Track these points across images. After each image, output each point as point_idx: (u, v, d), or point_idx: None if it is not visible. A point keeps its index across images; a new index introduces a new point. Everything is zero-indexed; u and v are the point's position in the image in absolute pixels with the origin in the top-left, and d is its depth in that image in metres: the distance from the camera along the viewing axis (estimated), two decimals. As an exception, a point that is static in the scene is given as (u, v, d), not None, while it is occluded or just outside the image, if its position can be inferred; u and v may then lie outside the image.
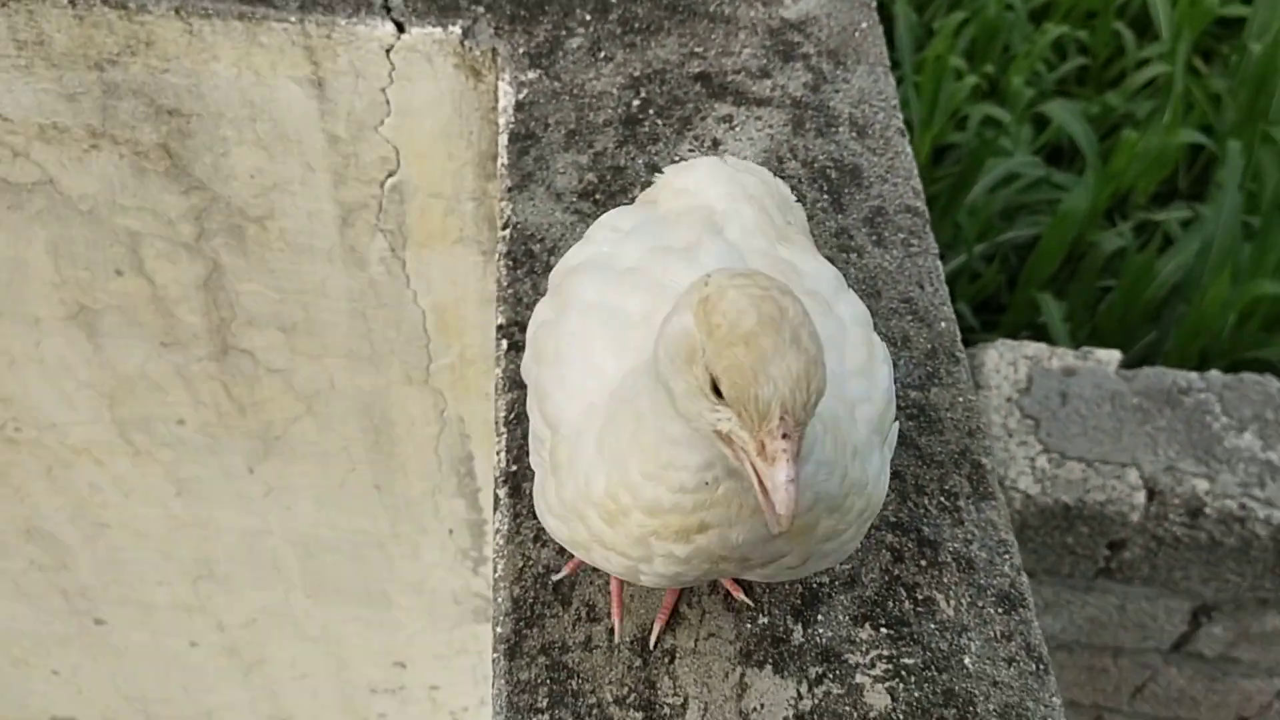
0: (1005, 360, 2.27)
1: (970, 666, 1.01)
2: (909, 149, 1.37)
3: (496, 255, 1.31)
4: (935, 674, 1.00)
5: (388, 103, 1.54)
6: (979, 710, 0.98)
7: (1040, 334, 3.41)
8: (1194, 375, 2.26)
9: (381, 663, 2.54)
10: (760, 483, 0.66)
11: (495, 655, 1.05)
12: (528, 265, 1.29)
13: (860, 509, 0.80)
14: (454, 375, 1.89)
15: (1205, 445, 2.14)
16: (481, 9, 1.49)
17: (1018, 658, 1.02)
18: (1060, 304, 3.39)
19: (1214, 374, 2.27)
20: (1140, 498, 2.11)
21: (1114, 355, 2.30)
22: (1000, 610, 1.05)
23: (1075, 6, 4.04)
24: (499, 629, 1.05)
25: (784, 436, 0.65)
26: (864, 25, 1.48)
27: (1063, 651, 2.47)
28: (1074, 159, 3.86)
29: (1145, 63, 3.95)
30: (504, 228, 1.32)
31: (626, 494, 0.76)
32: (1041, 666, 1.02)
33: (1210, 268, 3.32)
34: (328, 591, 2.37)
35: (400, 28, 1.47)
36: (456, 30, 1.47)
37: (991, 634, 1.03)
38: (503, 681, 1.02)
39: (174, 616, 2.51)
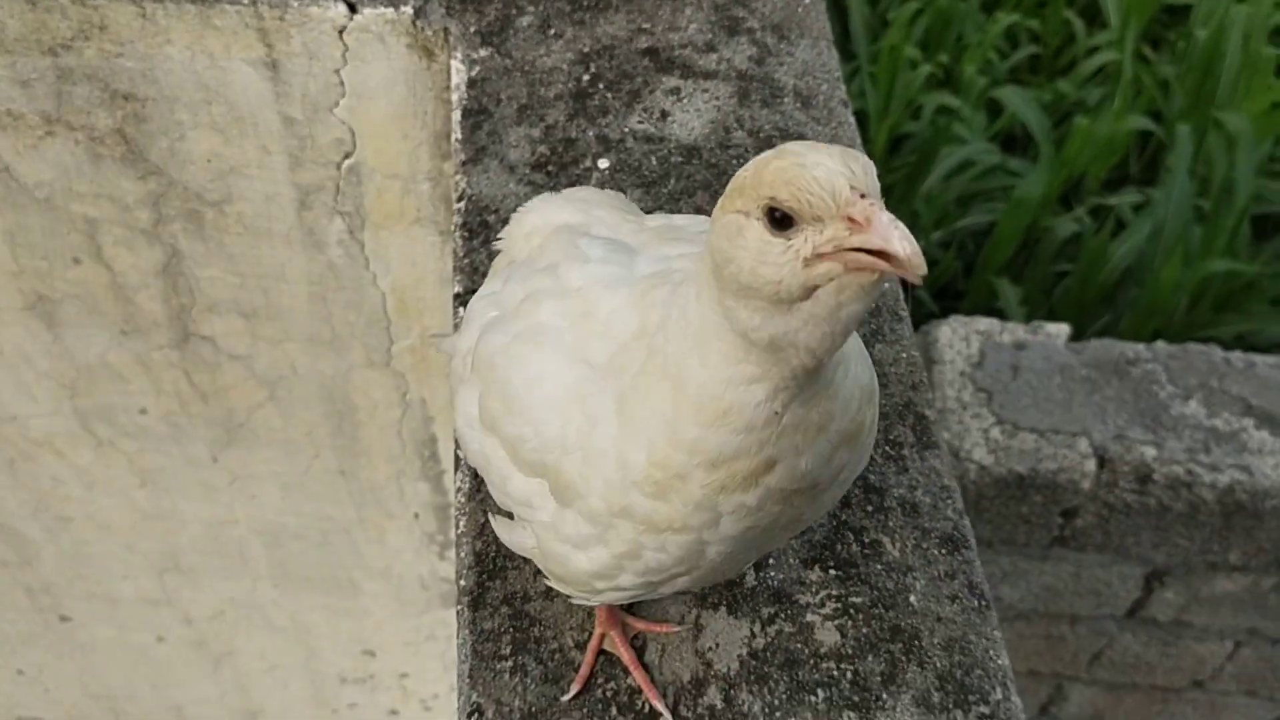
0: (958, 335, 2.32)
1: (915, 604, 1.05)
2: (852, 119, 1.41)
3: (453, 226, 1.34)
4: (882, 611, 1.04)
5: (342, 84, 1.56)
6: (924, 644, 1.02)
7: (998, 318, 3.47)
8: (1140, 346, 2.32)
9: (351, 651, 2.55)
10: (870, 253, 0.61)
11: (459, 607, 1.07)
12: (483, 235, 1.32)
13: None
14: (415, 357, 1.91)
15: (1152, 413, 2.20)
16: (433, -11, 1.52)
17: (960, 595, 1.06)
18: (1016, 288, 3.45)
19: (1160, 344, 2.34)
20: (1091, 466, 2.17)
21: (1063, 329, 2.36)
22: (944, 551, 1.09)
23: (1026, -3, 4.11)
24: (462, 582, 1.08)
25: (863, 198, 0.62)
26: (807, 1, 1.52)
27: (1021, 621, 2.52)
28: (1028, 146, 3.93)
29: (1095, 50, 4.03)
30: (459, 199, 1.35)
31: (681, 453, 0.73)
32: (983, 602, 1.06)
33: (1162, 250, 3.40)
34: (295, 580, 2.37)
35: (353, 8, 1.49)
36: (408, 10, 1.49)
37: (935, 573, 1.07)
38: (467, 631, 1.04)
39: (140, 611, 2.50)
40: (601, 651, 1.01)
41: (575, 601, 0.94)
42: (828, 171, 0.62)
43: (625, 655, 1.00)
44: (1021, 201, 3.44)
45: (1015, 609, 2.50)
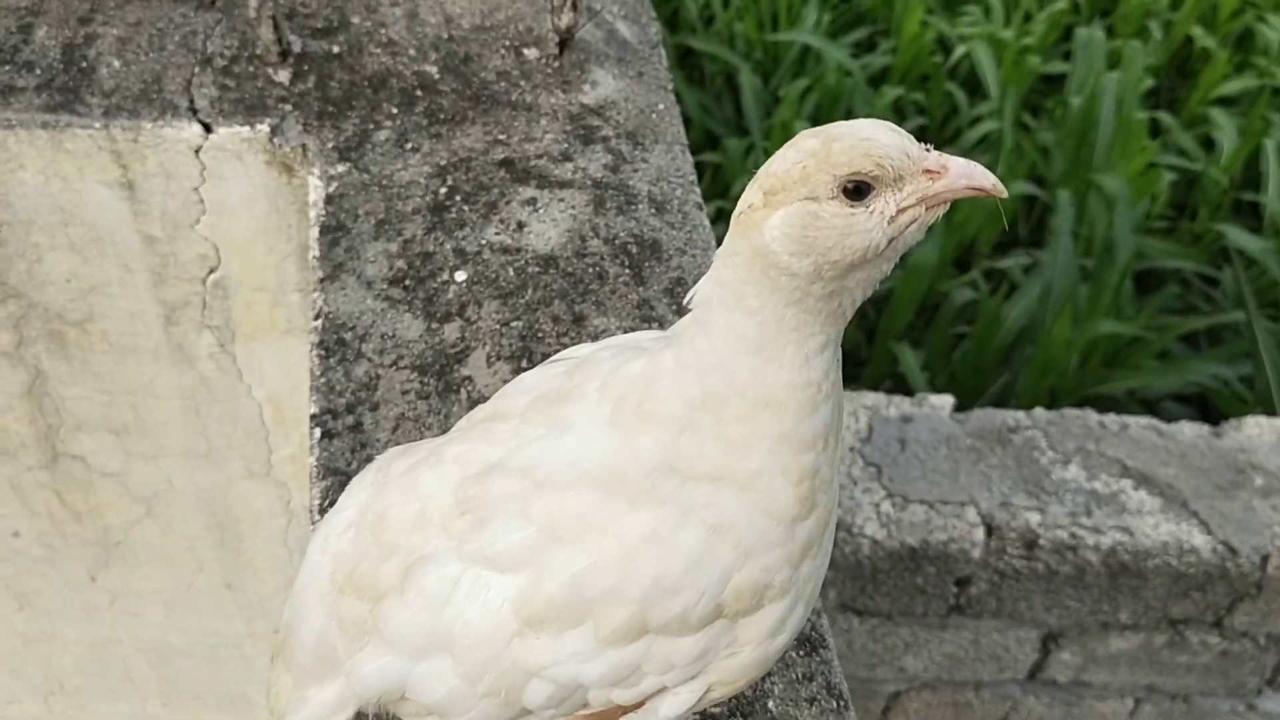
0: (846, 410, 2.35)
1: (774, 709, 1.05)
2: (706, 222, 1.44)
3: (309, 346, 1.33)
4: (740, 719, 1.04)
5: (202, 201, 1.55)
6: (781, 753, 1.02)
7: (900, 383, 3.54)
8: (1020, 414, 2.38)
9: (249, 767, 2.46)
10: (957, 188, 0.69)
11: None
12: (340, 353, 1.31)
13: None
14: (296, 465, 1.89)
15: (1035, 479, 2.25)
16: (289, 107, 1.52)
17: (819, 697, 1.07)
18: (917, 353, 3.53)
19: (1039, 411, 2.40)
20: (980, 534, 2.20)
21: (947, 400, 2.41)
22: (801, 653, 1.10)
23: (910, 70, 4.26)
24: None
25: (928, 150, 0.69)
26: (660, 107, 1.56)
27: (927, 690, 2.54)
28: (920, 214, 4.04)
29: (978, 120, 4.18)
30: (316, 318, 1.34)
31: (808, 454, 0.75)
32: (841, 703, 1.07)
33: (1051, 310, 3.51)
34: (186, 699, 2.30)
35: (208, 128, 1.49)
36: (264, 128, 1.49)
37: (794, 676, 1.08)
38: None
39: (25, 738, 2.40)
40: None
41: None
42: (892, 138, 0.68)
43: None
44: (917, 268, 3.54)
45: (920, 679, 2.52)
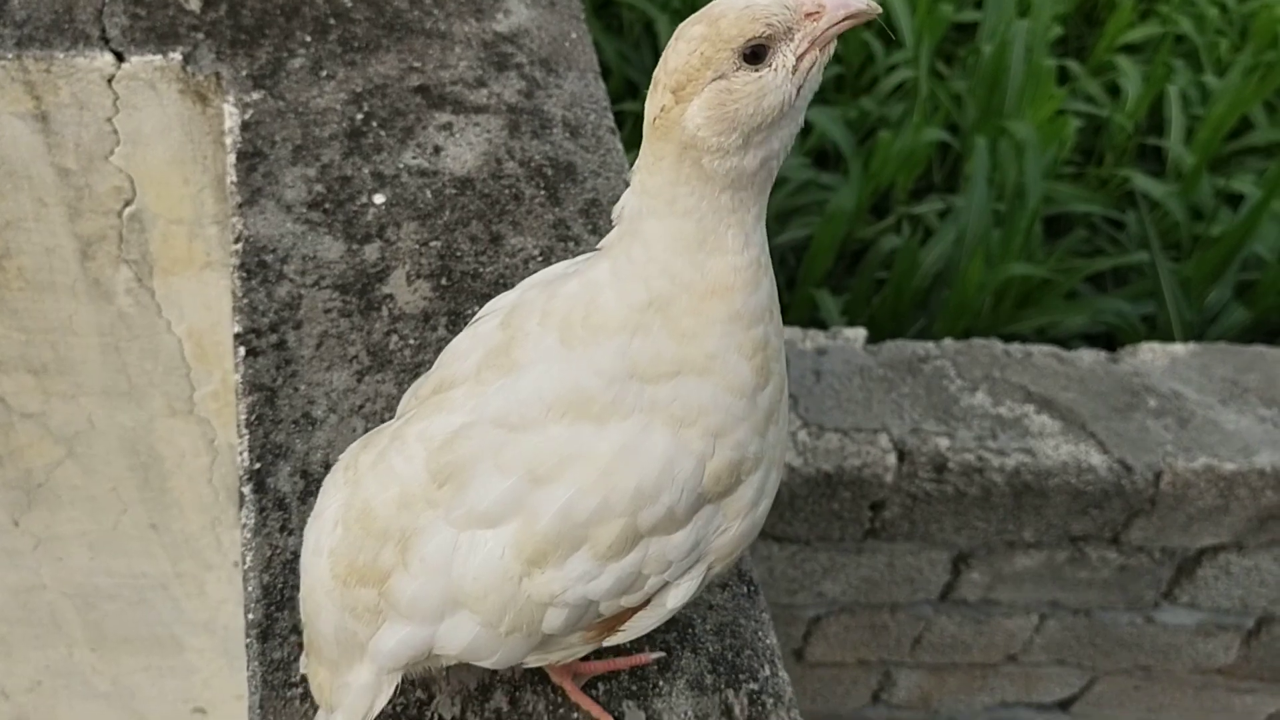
0: (763, 345, 2.42)
1: (687, 597, 1.11)
2: (619, 146, 1.48)
3: (230, 268, 1.35)
4: (655, 607, 1.10)
5: (115, 132, 1.55)
6: (696, 631, 1.08)
7: (822, 329, 3.63)
8: (930, 344, 2.47)
9: (180, 712, 2.48)
10: (838, 21, 0.73)
11: (248, 640, 1.09)
12: (261, 275, 1.33)
13: None
14: (219, 402, 1.90)
15: (944, 406, 2.34)
16: (201, 35, 1.53)
17: (730, 583, 1.13)
18: (837, 299, 3.62)
19: (947, 342, 2.49)
20: (892, 459, 2.29)
21: (860, 332, 2.49)
22: (713, 545, 1.15)
23: (824, 19, 4.30)
24: (250, 615, 1.09)
25: None
26: (573, 35, 1.59)
27: (846, 614, 2.64)
28: (838, 161, 4.12)
29: (894, 69, 4.25)
30: (236, 241, 1.36)
31: (760, 326, 0.79)
32: (752, 589, 1.13)
33: (966, 254, 3.61)
34: (113, 643, 2.30)
35: (120, 57, 1.49)
36: (177, 57, 1.50)
37: (705, 566, 1.14)
38: (256, 663, 1.06)
39: (-51, 690, 2.39)
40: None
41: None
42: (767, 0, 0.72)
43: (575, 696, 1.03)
44: (835, 214, 3.61)
45: (839, 603, 2.61)
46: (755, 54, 0.72)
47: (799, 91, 0.74)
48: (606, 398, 0.78)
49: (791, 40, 0.73)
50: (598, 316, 0.79)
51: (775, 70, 0.72)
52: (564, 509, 0.79)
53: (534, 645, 0.86)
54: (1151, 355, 2.50)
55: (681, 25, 0.74)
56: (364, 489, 0.86)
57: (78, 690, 2.40)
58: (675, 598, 0.86)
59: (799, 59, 0.73)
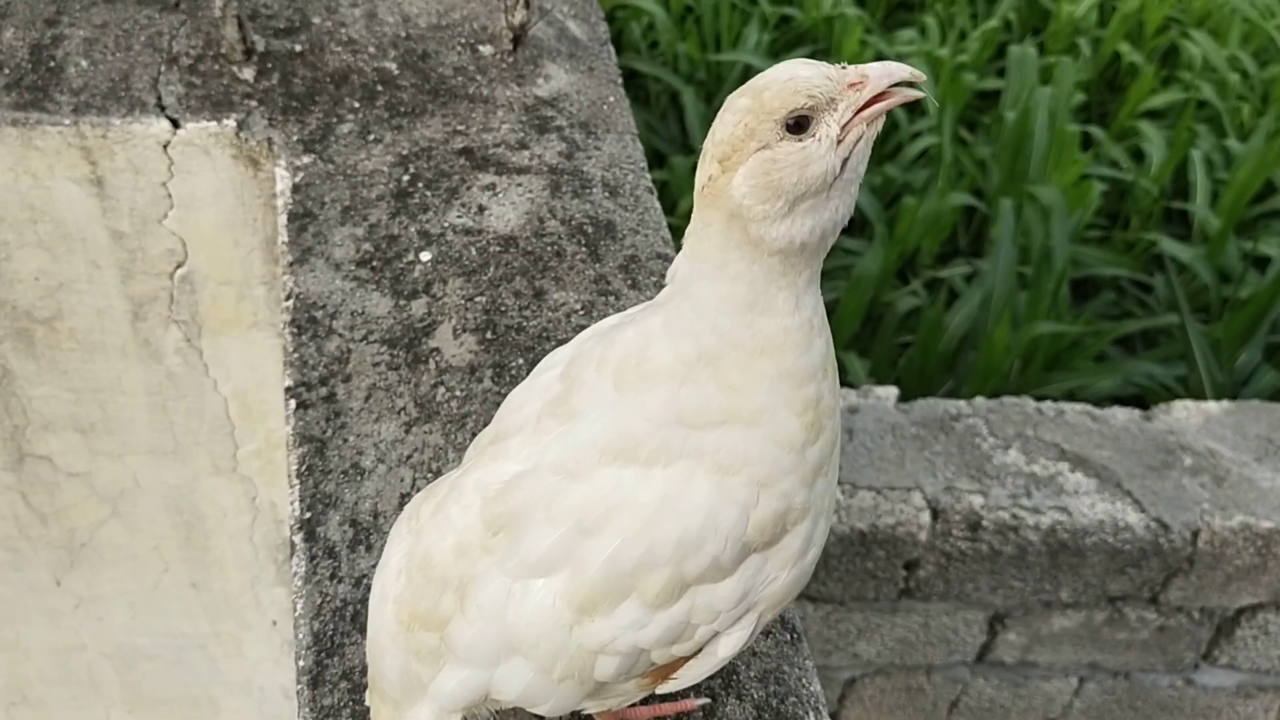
0: (795, 405, 2.43)
1: (731, 644, 1.12)
2: (657, 204, 1.52)
3: (281, 324, 1.38)
4: (700, 654, 1.10)
5: (169, 196, 1.60)
6: (741, 677, 1.09)
7: (852, 388, 3.64)
8: (962, 403, 2.48)
9: (214, 774, 2.47)
10: (879, 100, 0.74)
11: (299, 686, 1.10)
12: (311, 330, 1.37)
13: None
14: (262, 460, 1.93)
15: (977, 464, 2.34)
16: (254, 103, 1.58)
17: (774, 630, 1.13)
18: (864, 361, 3.64)
19: (979, 400, 2.50)
20: (926, 517, 2.29)
21: (892, 391, 2.50)
22: (756, 593, 1.16)
23: (849, 89, 4.38)
24: (301, 662, 1.11)
25: (844, 68, 0.74)
26: (611, 99, 1.64)
27: (881, 676, 2.61)
28: (864, 227, 4.16)
29: (918, 135, 4.31)
30: (287, 298, 1.40)
31: (810, 385, 0.80)
32: (795, 636, 1.13)
33: (992, 316, 3.63)
34: (150, 704, 2.31)
35: (175, 124, 1.55)
36: (231, 123, 1.55)
37: (749, 614, 1.15)
38: (307, 710, 1.07)
39: (-14, 752, 2.39)
40: None
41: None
42: (810, 69, 0.74)
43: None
44: (861, 278, 3.64)
45: (874, 664, 2.59)
46: (799, 124, 0.74)
47: (845, 164, 0.75)
48: (653, 443, 0.80)
49: (835, 110, 0.74)
50: (649, 364, 0.81)
51: (819, 140, 0.74)
52: (610, 558, 0.81)
53: (587, 692, 0.88)
54: (1185, 413, 2.50)
55: (730, 97, 0.77)
56: (425, 538, 0.88)
57: (113, 752, 2.41)
58: (726, 647, 0.87)
59: (844, 129, 0.74)
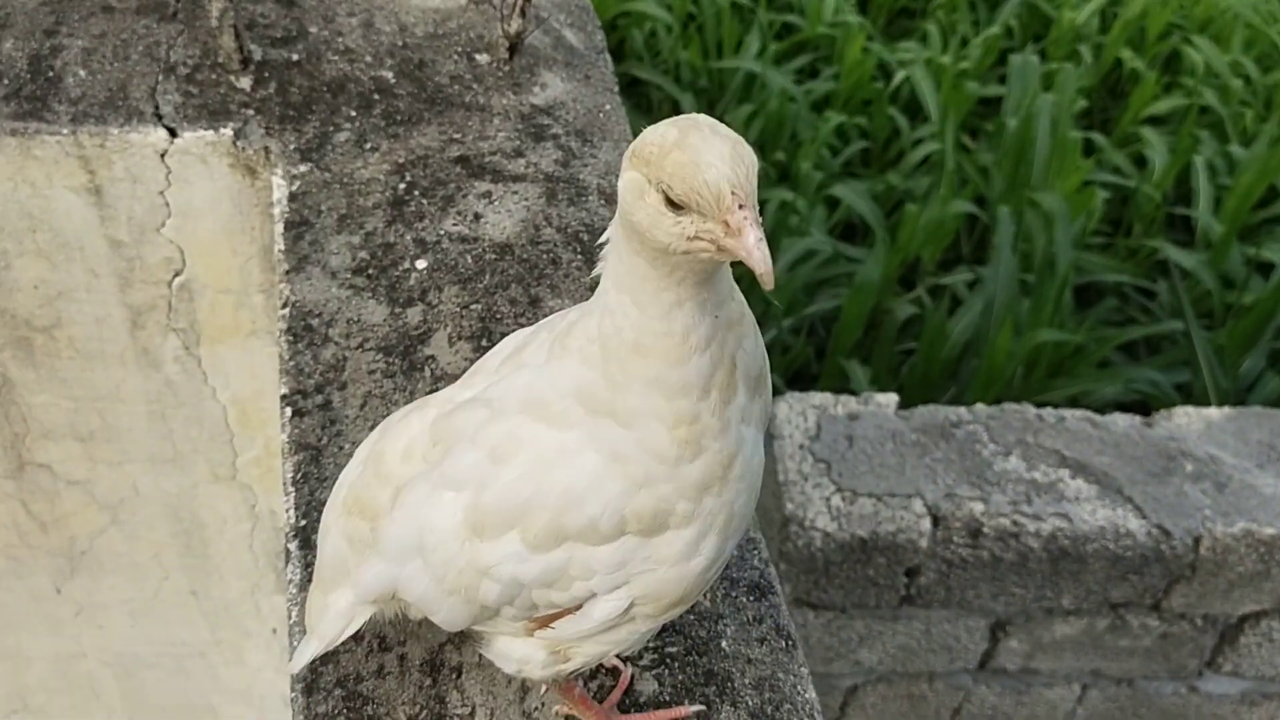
0: (795, 410, 2.43)
1: (727, 649, 1.12)
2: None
3: (278, 332, 1.39)
4: (696, 658, 1.11)
5: (167, 205, 1.61)
6: (736, 685, 1.09)
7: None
8: (962, 409, 2.47)
9: (215, 782, 2.47)
10: (729, 247, 0.72)
11: (293, 694, 1.10)
12: (307, 338, 1.37)
13: None
14: (261, 468, 1.93)
15: (977, 471, 2.34)
16: (251, 111, 1.59)
17: (769, 637, 1.13)
18: (866, 368, 3.63)
19: (979, 407, 2.49)
20: (926, 524, 2.28)
21: (892, 398, 2.50)
22: (751, 598, 1.16)
23: (852, 96, 4.40)
24: (295, 669, 1.11)
25: (740, 208, 0.71)
26: (607, 107, 1.64)
27: (883, 684, 2.61)
28: (866, 233, 4.16)
29: (920, 142, 4.31)
30: (284, 306, 1.40)
31: (682, 399, 0.80)
32: (790, 643, 1.13)
33: (994, 323, 3.62)
34: (151, 711, 2.31)
35: (173, 133, 1.55)
36: (228, 132, 1.56)
37: (745, 619, 1.15)
38: (301, 716, 1.07)
39: (-12, 760, 2.39)
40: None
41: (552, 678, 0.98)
42: (716, 175, 0.72)
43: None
44: (863, 286, 3.64)
45: (875, 671, 2.58)
46: (671, 202, 0.73)
47: (688, 253, 0.74)
48: (557, 409, 0.85)
49: (703, 220, 0.73)
50: (568, 340, 0.86)
51: (677, 222, 0.73)
52: (505, 487, 0.87)
53: (474, 614, 0.94)
54: (1187, 419, 2.49)
55: (683, 119, 0.75)
56: (385, 438, 0.97)
57: (114, 761, 2.41)
58: (601, 610, 0.91)
59: (697, 236, 0.73)
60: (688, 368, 0.80)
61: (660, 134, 0.75)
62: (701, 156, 0.72)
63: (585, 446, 0.84)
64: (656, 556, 0.87)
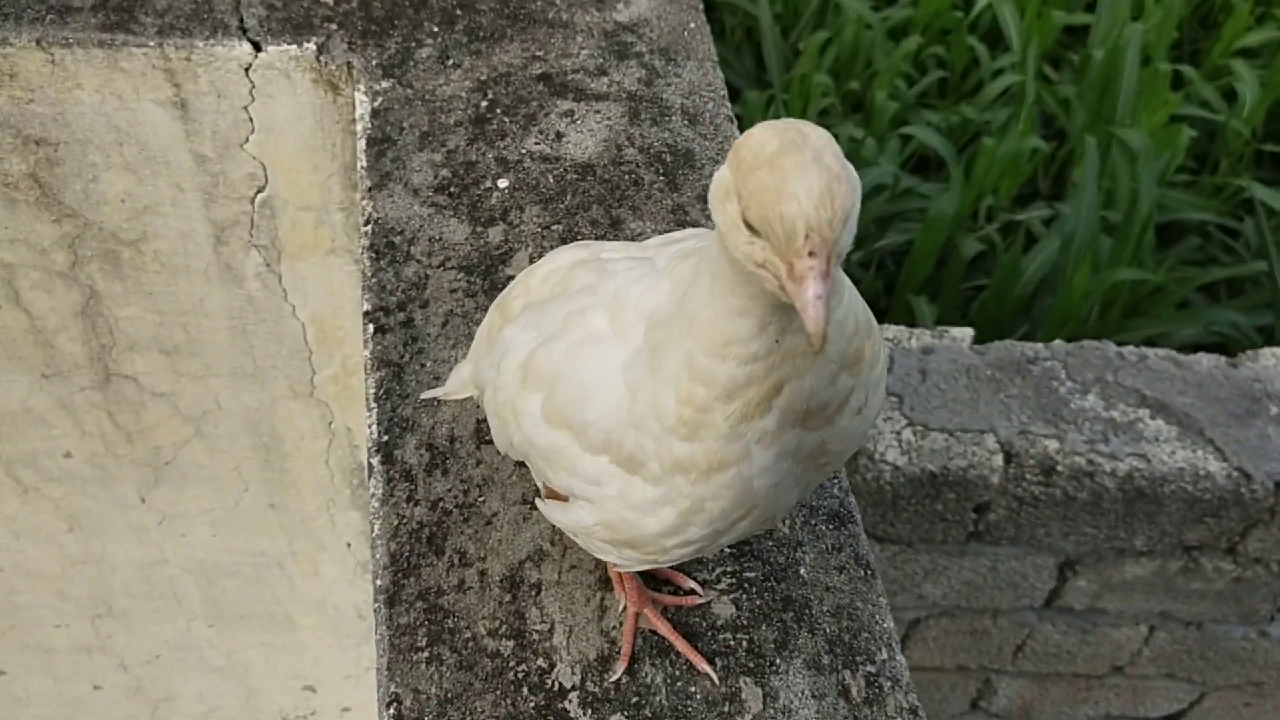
0: (868, 344, 2.40)
1: (805, 575, 1.12)
2: (738, 134, 1.49)
3: (360, 249, 1.39)
4: (774, 584, 1.11)
5: (251, 120, 1.61)
6: (814, 612, 1.09)
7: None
8: (1040, 345, 2.43)
9: (291, 688, 2.55)
10: (792, 301, 0.67)
11: (376, 605, 1.12)
12: (390, 255, 1.37)
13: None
14: (338, 386, 1.96)
15: (1053, 408, 2.30)
16: (334, 26, 1.58)
17: (847, 566, 1.13)
18: (933, 305, 3.57)
19: (1058, 343, 2.44)
20: (998, 461, 2.26)
21: (967, 332, 2.46)
22: (831, 527, 1.16)
23: (931, 24, 4.27)
24: (378, 581, 1.13)
25: (810, 255, 0.66)
26: (692, 25, 1.61)
27: (946, 618, 2.60)
28: (940, 167, 4.07)
29: (999, 73, 4.18)
30: (366, 223, 1.41)
31: (699, 386, 0.79)
32: (869, 572, 1.13)
33: (1072, 260, 3.53)
34: (230, 618, 2.38)
35: (257, 47, 1.55)
36: (311, 47, 1.55)
37: (824, 547, 1.14)
38: (384, 627, 1.09)
39: (75, 659, 2.49)
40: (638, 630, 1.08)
41: (625, 568, 1.00)
42: (794, 212, 0.65)
43: (664, 629, 1.07)
44: (935, 221, 3.56)
45: (939, 606, 2.58)
46: (750, 226, 0.70)
47: (755, 275, 0.71)
48: (628, 316, 0.88)
49: (772, 250, 0.68)
50: (681, 263, 0.86)
51: (750, 240, 0.69)
52: (549, 354, 0.92)
53: (506, 447, 1.02)
54: (1274, 360, 2.42)
55: (783, 124, 0.70)
56: (545, 259, 1.05)
57: (194, 664, 2.49)
58: (572, 515, 0.95)
59: (765, 263, 0.69)
60: (719, 367, 0.79)
61: (761, 142, 0.69)
62: (787, 185, 0.65)
63: (619, 360, 0.87)
64: (624, 493, 0.89)
